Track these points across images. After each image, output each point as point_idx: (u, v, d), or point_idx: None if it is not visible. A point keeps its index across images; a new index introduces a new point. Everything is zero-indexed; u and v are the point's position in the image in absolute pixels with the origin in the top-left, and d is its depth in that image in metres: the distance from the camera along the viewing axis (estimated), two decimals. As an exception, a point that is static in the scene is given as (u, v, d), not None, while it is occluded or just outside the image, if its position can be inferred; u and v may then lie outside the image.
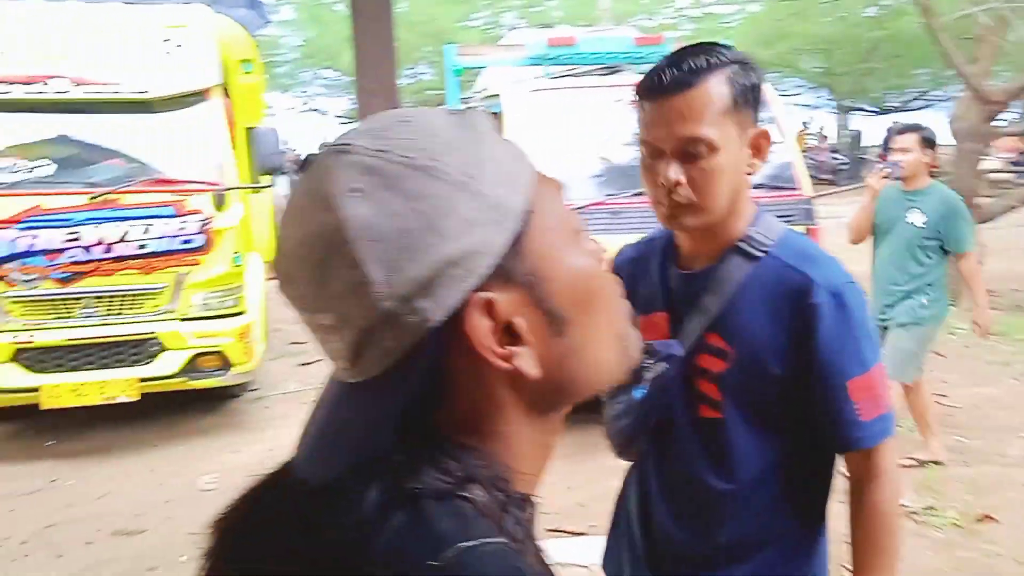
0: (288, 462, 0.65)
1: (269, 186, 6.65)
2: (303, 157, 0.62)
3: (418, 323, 0.57)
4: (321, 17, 23.13)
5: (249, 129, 6.49)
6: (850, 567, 1.47)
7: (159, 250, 5.17)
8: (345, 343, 0.59)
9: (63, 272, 5.06)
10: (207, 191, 5.31)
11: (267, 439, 5.46)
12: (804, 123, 27.15)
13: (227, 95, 6.03)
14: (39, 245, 4.98)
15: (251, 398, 6.26)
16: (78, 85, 5.20)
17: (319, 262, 0.56)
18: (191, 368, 5.31)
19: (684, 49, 1.36)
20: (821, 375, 1.36)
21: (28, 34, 5.26)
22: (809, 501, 1.48)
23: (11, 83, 5.12)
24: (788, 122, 5.66)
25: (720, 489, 1.44)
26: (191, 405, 5.88)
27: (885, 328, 4.39)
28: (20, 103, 5.18)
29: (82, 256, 5.05)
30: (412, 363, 0.59)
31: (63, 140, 5.37)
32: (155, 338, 5.24)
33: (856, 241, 4.68)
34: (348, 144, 0.59)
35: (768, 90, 6.53)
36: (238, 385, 5.88)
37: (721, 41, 1.47)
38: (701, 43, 1.38)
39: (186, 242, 5.23)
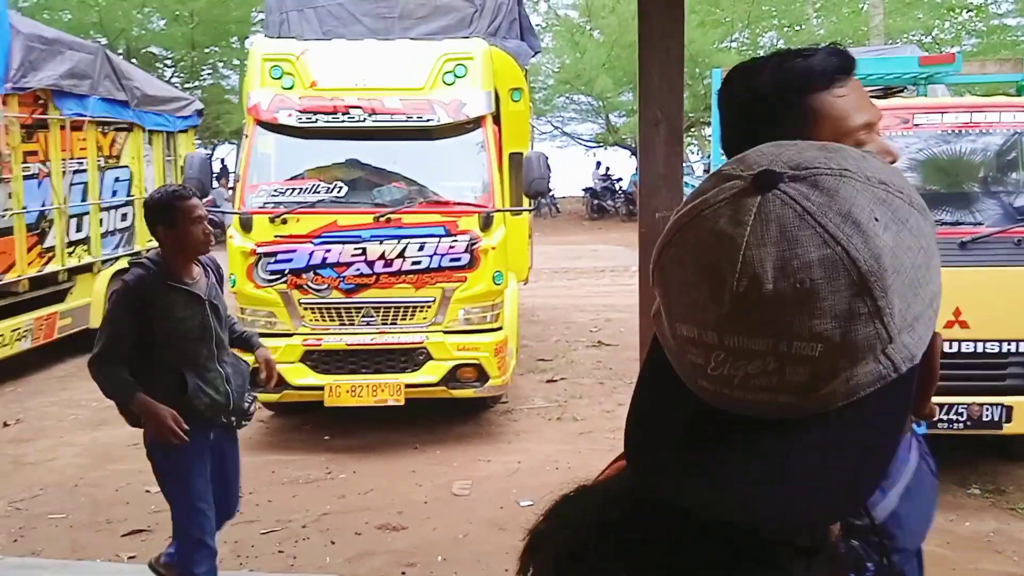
0: (628, 480, 0.62)
1: (532, 209, 6.93)
2: (758, 173, 0.57)
3: (902, 359, 0.56)
4: (579, 44, 23.76)
5: (514, 154, 6.81)
6: None
7: (431, 266, 5.57)
8: (813, 374, 0.54)
9: (349, 283, 5.59)
10: (477, 213, 5.64)
11: (515, 451, 5.66)
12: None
13: (496, 122, 6.38)
14: (331, 258, 5.55)
15: (501, 410, 6.52)
16: (371, 114, 5.74)
17: (828, 287, 0.53)
18: (451, 378, 5.65)
19: None
20: None
21: (333, 69, 5.89)
22: None
23: (316, 112, 5.75)
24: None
25: None
26: (448, 413, 6.23)
27: None
28: (322, 131, 5.81)
29: (366, 270, 5.55)
30: (875, 401, 0.56)
31: (353, 164, 5.96)
32: (423, 347, 5.63)
33: None
34: (846, 169, 0.57)
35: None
36: (490, 397, 6.15)
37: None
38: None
39: (455, 260, 5.58)
